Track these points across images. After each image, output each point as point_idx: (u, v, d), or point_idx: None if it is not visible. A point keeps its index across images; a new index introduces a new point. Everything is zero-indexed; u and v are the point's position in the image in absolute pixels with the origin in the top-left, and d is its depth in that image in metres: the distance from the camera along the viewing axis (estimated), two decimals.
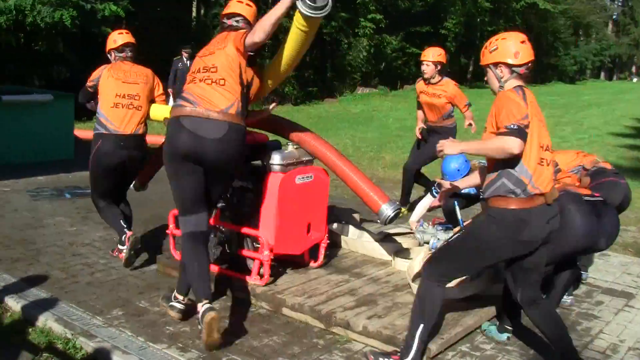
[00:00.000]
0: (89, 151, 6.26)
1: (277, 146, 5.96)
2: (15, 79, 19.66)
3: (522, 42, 4.26)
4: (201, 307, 4.56)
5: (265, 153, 5.77)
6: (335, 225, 7.08)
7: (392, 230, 7.23)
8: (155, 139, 12.29)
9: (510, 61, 4.22)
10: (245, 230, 5.72)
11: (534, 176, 4.08)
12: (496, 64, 4.27)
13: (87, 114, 20.83)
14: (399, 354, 4.42)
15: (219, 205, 5.88)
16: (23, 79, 21.08)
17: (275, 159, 5.65)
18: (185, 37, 27.66)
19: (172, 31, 29.86)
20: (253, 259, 5.65)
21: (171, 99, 16.71)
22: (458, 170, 6.83)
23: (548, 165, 4.19)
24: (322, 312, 5.10)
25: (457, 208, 6.54)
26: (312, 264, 6.16)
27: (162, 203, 8.54)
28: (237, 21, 5.31)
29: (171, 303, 5.15)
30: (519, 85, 4.23)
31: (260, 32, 4.87)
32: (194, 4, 31.63)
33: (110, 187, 6.35)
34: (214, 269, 5.86)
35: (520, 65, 4.25)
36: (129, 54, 6.67)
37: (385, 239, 6.92)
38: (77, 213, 8.13)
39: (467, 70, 48.88)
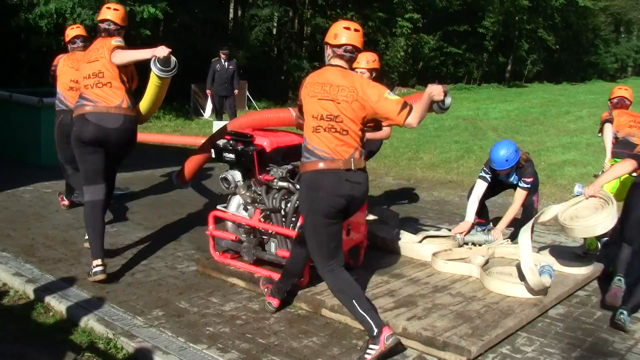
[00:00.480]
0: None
1: None
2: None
3: (346, 27, 4.79)
4: (95, 265, 5.74)
5: None
6: (374, 227, 7.06)
7: (431, 232, 7.19)
8: (193, 140, 12.40)
9: (330, 41, 4.82)
10: (285, 231, 5.73)
11: (312, 142, 4.63)
12: (325, 44, 4.91)
13: None
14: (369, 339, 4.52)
15: (260, 206, 5.90)
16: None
17: None
18: (222, 38, 27.79)
19: (209, 32, 30.04)
20: None
21: (209, 99, 16.81)
22: (507, 160, 6.79)
23: (327, 131, 4.61)
24: None
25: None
26: (351, 264, 6.14)
27: (201, 204, 8.60)
28: (108, 24, 6.16)
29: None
30: (333, 65, 4.83)
31: (117, 59, 5.93)
32: (232, 5, 31.75)
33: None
34: (254, 269, 5.88)
35: (337, 46, 4.77)
36: (80, 44, 7.95)
37: (424, 240, 6.88)
38: (118, 214, 8.19)
39: (505, 69, 48.52)
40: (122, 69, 6.04)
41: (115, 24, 6.14)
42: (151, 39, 23.20)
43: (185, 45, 26.78)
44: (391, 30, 37.18)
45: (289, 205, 5.79)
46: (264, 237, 6.02)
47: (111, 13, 6.17)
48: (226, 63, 16.54)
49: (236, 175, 6.18)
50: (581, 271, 6.34)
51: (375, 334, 4.43)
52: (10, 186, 9.07)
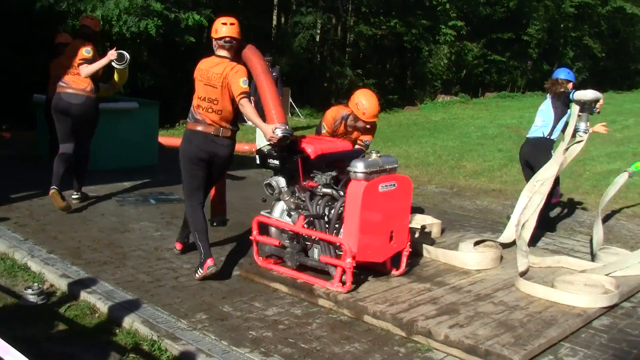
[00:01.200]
0: (174, 157, 6.69)
1: (361, 154, 5.98)
2: None
3: (223, 23, 6.37)
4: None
5: (349, 161, 5.78)
6: (417, 234, 7.06)
7: (474, 239, 7.16)
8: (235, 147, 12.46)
9: (213, 36, 6.37)
10: (328, 237, 5.76)
11: (196, 112, 6.22)
12: (211, 38, 6.43)
13: (171, 121, 21.29)
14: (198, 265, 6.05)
15: (304, 212, 5.93)
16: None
17: (359, 166, 5.66)
18: (266, 45, 27.93)
19: (253, 39, 30.19)
20: (335, 266, 5.68)
21: (252, 105, 16.86)
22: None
23: (206, 110, 6.18)
24: (403, 320, 5.09)
25: None
26: (394, 272, 6.15)
27: (245, 210, 8.65)
28: (83, 27, 8.80)
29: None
30: (219, 55, 6.34)
31: (84, 72, 8.23)
32: (275, 12, 31.90)
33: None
34: (297, 275, 5.91)
35: (218, 39, 6.32)
36: (62, 49, 9.41)
37: (467, 247, 6.86)
38: (162, 218, 8.29)
39: (549, 77, 47.97)
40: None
41: (90, 29, 8.81)
42: (196, 45, 23.47)
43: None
44: (434, 37, 37.02)
45: (332, 211, 5.82)
46: (307, 243, 6.05)
47: (91, 22, 9.10)
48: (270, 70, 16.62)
49: (280, 182, 6.22)
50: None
51: (202, 261, 5.99)
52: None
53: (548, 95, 8.46)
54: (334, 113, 7.24)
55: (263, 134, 6.22)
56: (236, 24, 6.42)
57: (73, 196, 8.87)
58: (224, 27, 6.31)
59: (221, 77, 6.11)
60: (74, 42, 8.73)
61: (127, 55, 8.66)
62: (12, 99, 18.70)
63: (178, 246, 6.92)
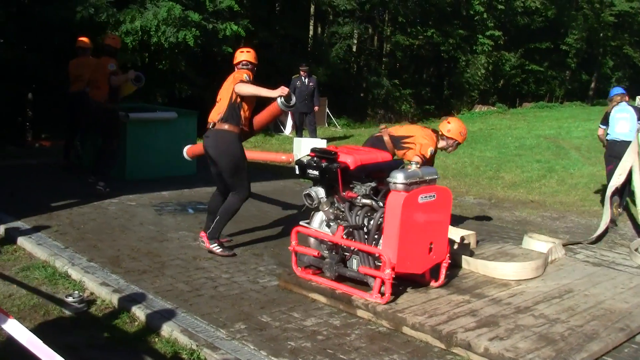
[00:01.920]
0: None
1: (401, 165, 5.96)
2: (141, 96, 20.37)
3: (241, 51, 7.54)
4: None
5: (389, 171, 5.76)
6: (456, 245, 7.01)
7: (514, 250, 7.10)
8: (273, 157, 12.49)
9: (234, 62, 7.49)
10: (368, 248, 5.74)
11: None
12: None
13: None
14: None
15: (343, 223, 5.92)
16: (148, 97, 21.81)
17: (399, 177, 5.63)
18: (303, 55, 28.03)
19: (290, 49, 30.32)
20: (374, 277, 5.66)
21: (290, 115, 16.94)
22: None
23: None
24: (442, 332, 5.05)
25: None
26: (433, 283, 6.11)
27: (283, 221, 8.67)
28: (106, 46, 10.19)
29: None
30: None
31: (113, 82, 9.72)
32: (312, 22, 32.00)
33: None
34: (336, 286, 5.89)
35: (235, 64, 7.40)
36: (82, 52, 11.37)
37: (506, 259, 6.80)
38: (200, 228, 8.28)
39: (588, 86, 47.57)
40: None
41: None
42: (233, 55, 23.57)
43: (265, 62, 27.12)
44: (472, 47, 36.93)
45: (371, 222, 5.80)
46: (346, 253, 6.04)
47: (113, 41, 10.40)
48: (306, 80, 16.68)
49: (320, 192, 6.21)
50: None
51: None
52: (96, 198, 9.31)
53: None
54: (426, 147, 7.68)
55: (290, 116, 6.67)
56: (252, 52, 7.55)
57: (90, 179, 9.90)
58: (242, 54, 7.52)
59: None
60: (102, 60, 10.09)
61: (143, 78, 10.15)
62: (52, 108, 18.90)
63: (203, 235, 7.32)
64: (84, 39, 11.93)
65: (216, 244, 7.13)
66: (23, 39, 20.87)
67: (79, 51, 11.69)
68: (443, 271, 6.12)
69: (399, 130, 8.02)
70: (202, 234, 7.28)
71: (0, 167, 11.60)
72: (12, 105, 20.34)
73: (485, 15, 36.59)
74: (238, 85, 7.03)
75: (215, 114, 7.21)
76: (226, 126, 7.03)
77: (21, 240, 7.36)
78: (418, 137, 7.71)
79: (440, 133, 7.89)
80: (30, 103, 19.63)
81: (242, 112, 7.12)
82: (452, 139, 7.86)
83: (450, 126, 7.86)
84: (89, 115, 10.32)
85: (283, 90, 7.09)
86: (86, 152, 11.50)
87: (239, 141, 7.11)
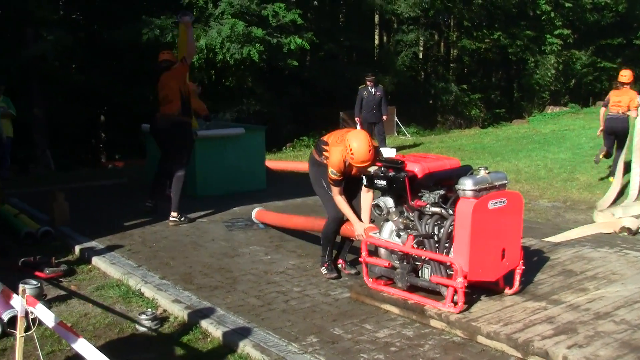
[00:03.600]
0: (282, 181, 6.80)
1: (469, 171, 5.86)
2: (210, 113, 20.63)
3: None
4: None
5: (457, 178, 5.67)
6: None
7: (591, 253, 6.91)
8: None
9: None
10: (439, 257, 5.65)
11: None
12: None
13: (278, 144, 21.53)
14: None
15: (413, 232, 5.85)
16: (216, 114, 22.09)
17: (467, 184, 5.54)
18: (369, 65, 28.01)
19: (356, 60, 30.35)
20: (447, 286, 5.56)
21: (358, 126, 16.88)
22: None
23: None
24: (518, 341, 4.92)
25: None
26: (507, 290, 5.97)
27: None
28: (164, 61, 9.59)
29: None
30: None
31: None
32: (377, 31, 31.97)
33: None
34: (408, 296, 5.82)
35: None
36: (163, 65, 9.58)
37: (583, 263, 6.61)
38: (271, 242, 8.33)
39: None
40: None
41: None
42: (299, 69, 23.73)
43: (332, 74, 27.25)
44: (540, 48, 36.37)
45: (442, 230, 5.71)
46: (417, 263, 5.95)
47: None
48: (373, 89, 16.61)
49: (388, 202, 6.14)
50: None
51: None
52: (168, 216, 9.41)
53: None
54: (337, 157, 6.57)
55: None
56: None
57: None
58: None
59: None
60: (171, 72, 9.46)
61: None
62: (123, 129, 19.31)
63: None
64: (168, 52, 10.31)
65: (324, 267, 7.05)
66: (92, 63, 21.38)
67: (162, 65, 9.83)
68: (517, 277, 5.98)
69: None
70: (340, 261, 7.20)
71: (75, 188, 11.85)
72: (85, 128, 20.85)
73: (552, 15, 35.98)
74: None
75: None
76: None
77: (95, 260, 7.50)
78: (330, 155, 6.75)
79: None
80: (102, 125, 20.04)
81: None
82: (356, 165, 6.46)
83: (353, 150, 6.33)
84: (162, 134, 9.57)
85: None
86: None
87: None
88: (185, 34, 9.41)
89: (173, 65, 9.51)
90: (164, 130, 9.42)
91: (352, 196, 6.73)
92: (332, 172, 6.49)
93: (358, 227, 6.47)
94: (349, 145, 6.25)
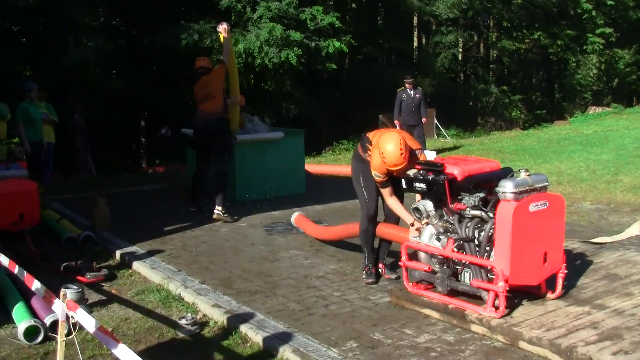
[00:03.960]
0: (321, 185, 6.76)
1: (510, 173, 5.79)
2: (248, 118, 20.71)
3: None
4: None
5: (497, 181, 5.61)
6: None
7: (636, 257, 6.78)
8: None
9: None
10: (479, 260, 5.59)
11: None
12: None
13: (317, 148, 21.54)
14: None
15: (453, 236, 5.79)
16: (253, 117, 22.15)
17: (508, 186, 5.47)
18: (407, 67, 27.93)
19: (394, 62, 30.28)
20: (488, 291, 5.49)
21: (398, 128, 16.80)
22: None
23: None
24: (562, 346, 4.84)
25: None
26: (549, 295, 5.89)
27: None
28: (200, 68, 10.07)
29: None
30: None
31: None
32: (415, 33, 31.86)
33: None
34: (448, 300, 5.76)
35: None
36: (200, 71, 10.09)
37: (628, 267, 6.50)
38: (311, 246, 8.32)
39: None
40: None
41: None
42: (337, 72, 23.71)
43: (371, 76, 27.22)
44: (581, 47, 35.96)
45: (482, 234, 5.65)
46: (458, 267, 5.89)
47: None
48: (412, 92, 16.53)
49: (428, 205, 6.09)
50: None
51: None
52: (208, 221, 9.46)
53: None
54: (377, 159, 6.43)
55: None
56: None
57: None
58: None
59: None
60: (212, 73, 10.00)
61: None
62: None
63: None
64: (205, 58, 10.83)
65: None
66: (132, 68, 21.58)
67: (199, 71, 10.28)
68: (560, 282, 5.89)
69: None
70: (381, 265, 7.16)
71: (116, 193, 11.99)
72: (126, 133, 21.06)
73: (594, 13, 35.54)
74: None
75: None
76: None
77: (136, 265, 7.56)
78: (372, 155, 6.64)
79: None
80: (143, 130, 20.23)
81: None
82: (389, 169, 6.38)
83: (385, 153, 6.23)
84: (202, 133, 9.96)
85: None
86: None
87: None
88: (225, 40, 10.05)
89: (209, 71, 9.98)
90: (206, 126, 9.84)
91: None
92: (376, 175, 6.44)
93: (412, 229, 6.37)
94: (380, 148, 6.20)
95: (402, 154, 6.08)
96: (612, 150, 17.64)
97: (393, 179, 6.49)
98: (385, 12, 32.01)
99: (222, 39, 10.22)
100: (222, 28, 10.01)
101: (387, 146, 6.12)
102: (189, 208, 10.14)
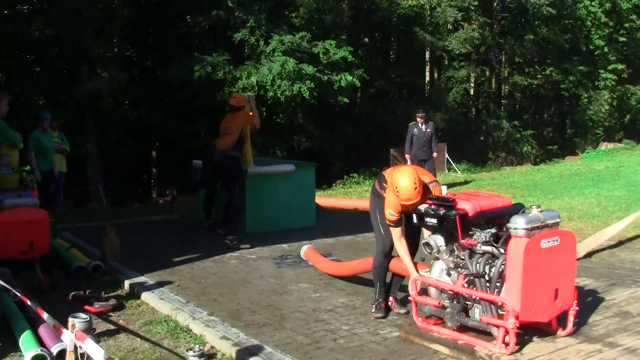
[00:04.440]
0: (332, 218, 6.73)
1: (521, 209, 5.77)
2: (260, 150, 20.80)
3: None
4: None
5: (509, 217, 5.59)
6: None
7: None
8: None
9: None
10: (490, 296, 5.56)
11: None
12: None
13: (328, 181, 21.55)
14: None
15: (463, 271, 5.76)
16: (267, 150, 22.21)
17: (519, 222, 5.45)
18: (419, 101, 28.01)
19: (406, 96, 30.37)
20: (498, 327, 5.45)
21: (409, 163, 16.79)
22: None
23: None
24: None
25: None
26: (560, 332, 5.85)
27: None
28: (229, 105, 11.05)
29: None
30: None
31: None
32: (427, 68, 31.99)
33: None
34: (458, 336, 5.72)
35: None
36: (228, 108, 10.93)
37: None
38: (320, 280, 8.28)
39: None
40: None
41: None
42: (350, 106, 23.80)
43: (383, 110, 27.30)
44: (593, 83, 35.98)
45: (493, 269, 5.62)
46: (468, 302, 5.86)
47: None
48: (423, 126, 16.52)
49: (439, 240, 6.07)
50: None
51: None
52: (217, 253, 9.45)
53: None
54: (392, 197, 6.35)
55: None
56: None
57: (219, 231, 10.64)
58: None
59: None
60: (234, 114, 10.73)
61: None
62: (174, 165, 19.53)
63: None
64: (237, 96, 11.66)
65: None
66: (145, 99, 21.72)
67: (230, 108, 11.00)
68: (571, 319, 5.85)
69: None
70: (391, 298, 7.11)
71: (126, 223, 11.99)
72: (137, 163, 21.14)
73: (606, 49, 35.61)
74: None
75: None
76: None
77: (145, 295, 7.54)
78: (386, 195, 6.54)
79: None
80: (154, 161, 20.30)
81: None
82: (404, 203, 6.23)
83: (398, 187, 6.14)
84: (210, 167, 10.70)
85: None
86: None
87: None
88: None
89: (238, 109, 10.70)
90: (212, 160, 10.47)
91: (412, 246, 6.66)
92: (390, 214, 6.36)
93: (414, 274, 6.34)
94: (394, 183, 6.16)
95: (416, 188, 6.05)
96: (624, 186, 17.58)
97: (405, 222, 6.46)
98: (397, 47, 32.19)
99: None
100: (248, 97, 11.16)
101: (401, 181, 6.09)
102: (217, 231, 10.77)
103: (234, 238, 9.93)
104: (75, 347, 4.02)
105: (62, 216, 12.37)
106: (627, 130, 38.61)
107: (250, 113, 10.76)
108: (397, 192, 6.09)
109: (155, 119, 21.24)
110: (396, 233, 6.42)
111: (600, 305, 6.71)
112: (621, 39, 36.02)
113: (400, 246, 6.43)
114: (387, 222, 6.43)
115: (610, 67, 35.84)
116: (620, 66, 35.99)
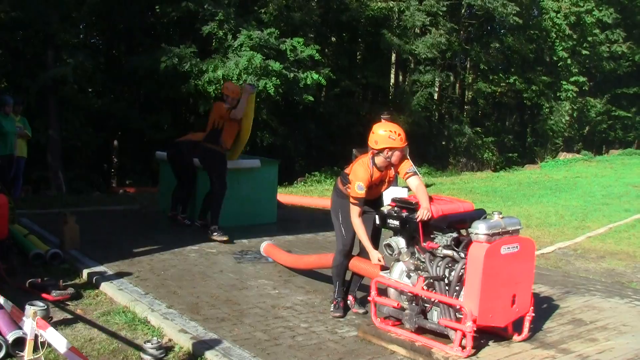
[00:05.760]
0: (292, 216, 6.73)
1: (483, 215, 5.84)
2: None
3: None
4: None
5: (470, 222, 5.65)
6: None
7: (601, 303, 6.84)
8: None
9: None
10: (448, 300, 5.62)
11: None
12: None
13: (289, 179, 21.56)
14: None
15: (423, 274, 5.82)
16: None
17: (481, 228, 5.52)
18: (384, 103, 28.12)
19: (371, 98, 30.45)
20: (455, 330, 5.52)
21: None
22: None
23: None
24: None
25: None
26: (516, 337, 5.93)
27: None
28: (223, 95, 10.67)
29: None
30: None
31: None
32: (393, 70, 32.11)
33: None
34: (415, 338, 5.77)
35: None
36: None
37: (593, 312, 6.55)
38: (279, 276, 8.29)
39: None
40: None
41: None
42: (314, 104, 23.82)
43: (347, 111, 27.35)
44: (555, 94, 36.44)
45: (452, 273, 5.68)
46: (427, 305, 5.92)
47: None
48: None
49: (400, 242, 6.13)
50: None
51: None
52: (177, 245, 9.41)
53: None
54: (362, 170, 6.52)
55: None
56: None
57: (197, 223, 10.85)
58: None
59: None
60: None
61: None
62: (137, 155, 19.38)
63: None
64: (231, 85, 11.11)
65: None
66: (110, 88, 21.54)
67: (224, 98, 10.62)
68: (527, 324, 5.94)
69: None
70: (350, 297, 7.15)
71: (86, 212, 11.86)
72: (99, 152, 20.93)
73: (569, 61, 36.09)
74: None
75: None
76: None
77: (103, 285, 7.48)
78: (352, 173, 6.59)
79: (370, 151, 6.54)
80: (115, 150, 20.13)
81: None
82: (384, 149, 6.36)
83: (375, 136, 6.39)
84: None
85: None
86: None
87: None
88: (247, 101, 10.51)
89: (222, 100, 10.61)
90: (179, 149, 10.83)
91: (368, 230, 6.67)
92: (358, 186, 6.34)
93: (374, 255, 6.38)
94: (373, 133, 6.37)
95: (391, 135, 6.31)
96: (581, 196, 17.86)
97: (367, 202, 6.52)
98: (364, 48, 32.25)
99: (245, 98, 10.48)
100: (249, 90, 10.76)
101: (377, 129, 6.37)
102: (195, 222, 10.93)
103: (215, 228, 9.96)
104: (36, 336, 3.97)
105: (20, 202, 12.22)
106: (585, 141, 39.15)
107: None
108: (376, 143, 6.28)
109: (119, 108, 21.06)
110: (356, 211, 6.42)
111: (555, 312, 6.82)
112: (584, 51, 36.51)
113: (359, 224, 6.42)
114: (351, 199, 6.42)
115: (572, 79, 36.32)
116: (581, 78, 36.47)
